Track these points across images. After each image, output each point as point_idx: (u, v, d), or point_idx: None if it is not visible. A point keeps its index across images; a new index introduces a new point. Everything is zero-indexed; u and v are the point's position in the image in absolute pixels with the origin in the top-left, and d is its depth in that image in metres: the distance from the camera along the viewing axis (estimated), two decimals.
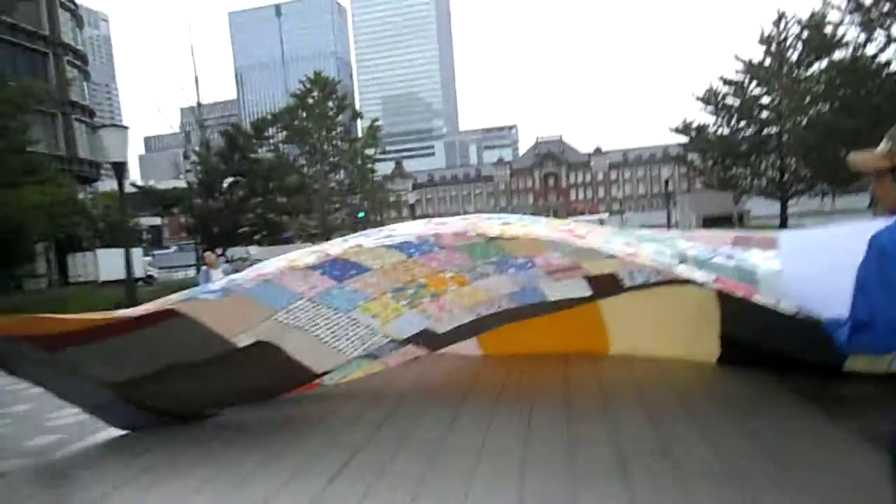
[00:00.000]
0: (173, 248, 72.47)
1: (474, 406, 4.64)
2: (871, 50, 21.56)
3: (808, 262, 2.81)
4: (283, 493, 3.37)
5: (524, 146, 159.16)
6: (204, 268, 8.94)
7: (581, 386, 4.95)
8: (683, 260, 2.85)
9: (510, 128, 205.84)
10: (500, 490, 3.18)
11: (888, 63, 20.65)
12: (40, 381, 4.41)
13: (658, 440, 3.72)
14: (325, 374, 4.88)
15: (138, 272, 22.80)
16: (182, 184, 28.68)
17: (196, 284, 15.48)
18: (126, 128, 10.87)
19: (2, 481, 4.06)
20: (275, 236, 21.50)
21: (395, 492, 3.25)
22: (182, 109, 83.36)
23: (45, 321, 3.99)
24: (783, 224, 29.69)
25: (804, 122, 24.25)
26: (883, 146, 1.65)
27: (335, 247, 3.85)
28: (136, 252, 25.05)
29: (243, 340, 4.20)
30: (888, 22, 20.18)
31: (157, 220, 46.44)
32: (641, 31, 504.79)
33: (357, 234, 4.20)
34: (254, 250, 47.61)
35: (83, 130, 31.40)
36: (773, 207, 33.25)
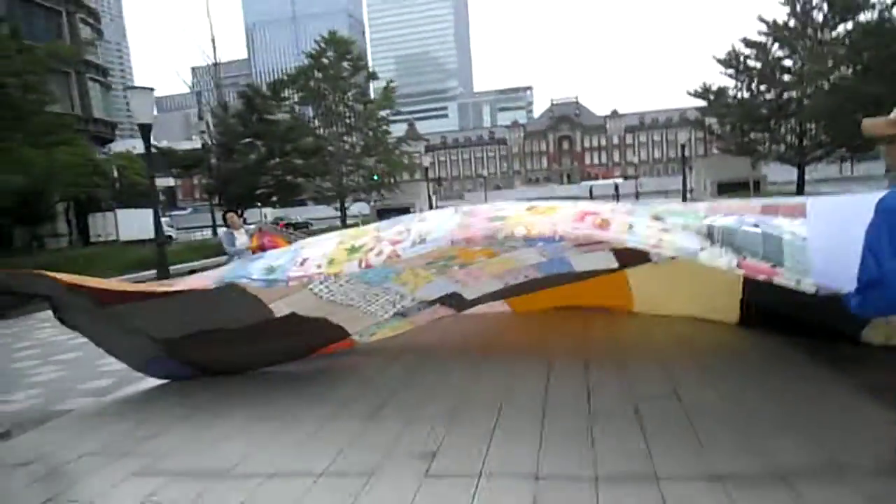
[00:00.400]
0: (189, 210, 73.15)
1: (498, 359, 4.93)
2: None
3: (835, 230, 2.69)
4: (324, 431, 3.71)
5: (539, 108, 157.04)
6: (226, 230, 9.04)
7: (601, 341, 5.22)
8: (710, 234, 2.83)
9: (525, 89, 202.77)
10: (522, 427, 3.49)
11: None
12: (90, 333, 4.73)
13: (670, 388, 4.00)
14: (356, 332, 5.16)
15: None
16: (195, 144, 28.86)
17: (214, 245, 15.77)
18: (152, 90, 11.08)
19: (68, 417, 4.44)
20: (291, 198, 21.66)
21: (428, 431, 3.55)
22: (194, 69, 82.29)
23: (94, 284, 4.29)
24: (800, 190, 29.48)
25: (826, 86, 23.78)
26: (894, 114, 1.78)
27: (373, 251, 3.72)
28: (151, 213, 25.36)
29: (281, 309, 4.37)
30: None
31: (170, 181, 46.79)
32: None
33: (391, 229, 3.98)
34: (269, 212, 48.16)
35: (97, 90, 31.46)
36: (790, 174, 32.91)
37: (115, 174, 27.45)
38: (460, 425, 3.66)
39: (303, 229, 26.97)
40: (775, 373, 4.22)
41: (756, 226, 2.78)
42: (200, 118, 25.25)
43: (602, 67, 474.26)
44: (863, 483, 2.70)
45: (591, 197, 46.63)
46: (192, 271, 15.52)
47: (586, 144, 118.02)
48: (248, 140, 22.21)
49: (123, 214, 25.17)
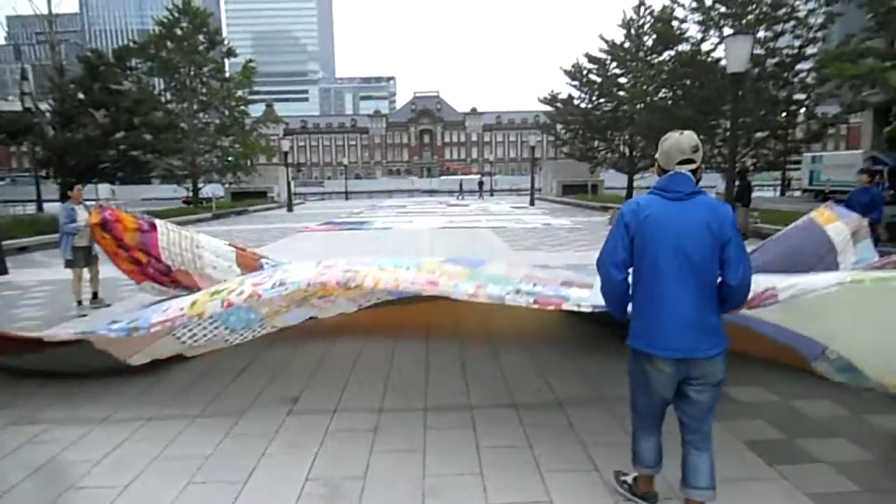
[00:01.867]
0: (5, 181, 64.42)
1: (343, 342, 5.50)
2: (706, 47, 24.74)
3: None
4: (197, 385, 4.19)
5: (401, 100, 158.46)
6: (67, 203, 8.17)
7: (440, 326, 6.00)
8: (517, 291, 3.60)
9: (388, 79, 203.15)
10: (373, 377, 4.26)
11: (718, 60, 23.80)
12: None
13: (493, 352, 4.99)
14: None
15: None
16: (13, 106, 25.84)
17: (48, 221, 14.49)
18: None
19: None
20: (140, 175, 20.17)
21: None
22: (10, 18, 71.57)
23: None
24: (629, 195, 33.29)
25: (649, 105, 27.18)
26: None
27: (234, 292, 3.92)
28: None
29: (141, 360, 4.45)
30: (722, 23, 23.24)
31: None
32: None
33: (250, 276, 4.37)
34: (109, 189, 44.11)
35: None
36: (624, 180, 36.89)
37: None
38: (322, 376, 4.33)
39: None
40: (578, 342, 5.35)
41: (553, 290, 3.60)
42: (24, 78, 22.55)
43: (463, 64, 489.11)
44: (615, 406, 3.80)
45: (461, 191, 49.22)
46: (24, 248, 14.34)
47: (446, 139, 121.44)
48: (89, 110, 20.44)
49: None
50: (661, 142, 2.53)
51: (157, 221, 7.69)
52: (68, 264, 7.73)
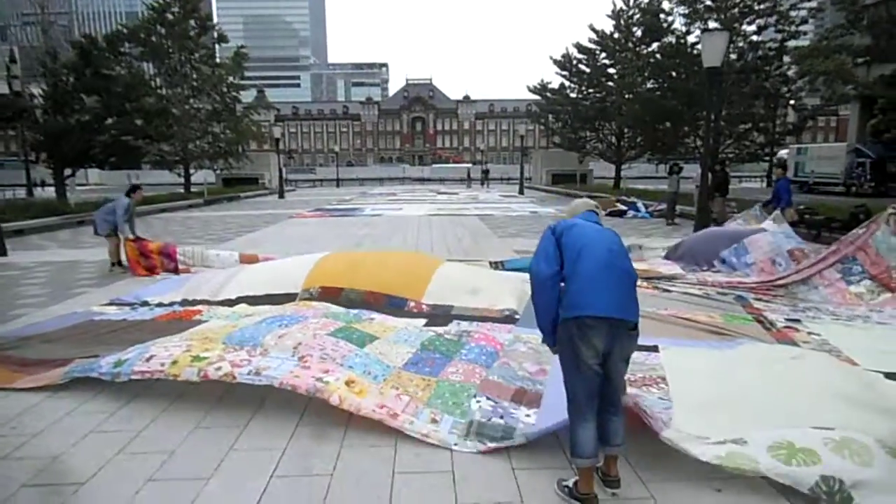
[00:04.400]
0: None
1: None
2: (692, 39, 25.06)
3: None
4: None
5: (394, 87, 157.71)
6: (129, 200, 9.50)
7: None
8: (468, 427, 3.64)
9: (381, 65, 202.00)
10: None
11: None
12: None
13: None
14: None
15: None
16: (1, 88, 25.83)
17: (41, 204, 15.07)
18: None
19: None
20: (133, 160, 20.33)
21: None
22: None
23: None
24: (616, 185, 33.74)
25: (637, 96, 27.54)
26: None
27: (213, 365, 4.03)
28: None
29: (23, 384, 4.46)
30: (707, 16, 23.56)
31: None
32: None
33: (238, 351, 4.33)
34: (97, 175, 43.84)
35: None
36: (612, 170, 37.29)
37: None
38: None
39: None
40: None
41: (502, 417, 3.77)
42: (13, 60, 22.54)
43: (456, 51, 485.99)
44: None
45: (469, 178, 51.50)
46: (19, 231, 14.64)
47: (439, 127, 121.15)
48: (81, 95, 20.57)
49: None
50: (571, 204, 3.30)
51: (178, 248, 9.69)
52: (108, 235, 9.39)
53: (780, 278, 7.90)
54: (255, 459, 3.32)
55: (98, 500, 2.93)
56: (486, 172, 51.31)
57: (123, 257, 9.37)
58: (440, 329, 5.42)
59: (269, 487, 3.03)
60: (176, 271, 9.11)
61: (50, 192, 25.62)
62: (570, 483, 2.96)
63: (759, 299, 7.16)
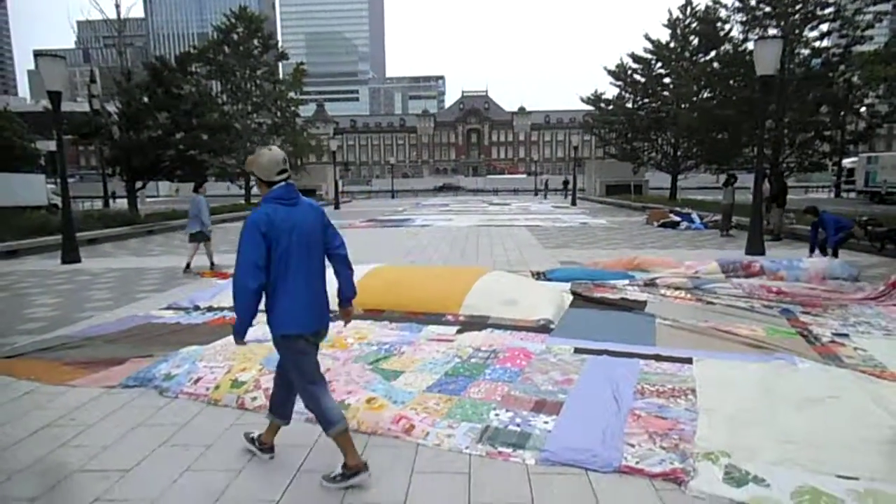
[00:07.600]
0: (76, 178, 68.40)
1: None
2: (750, 47, 24.30)
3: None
4: None
5: (450, 99, 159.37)
6: (202, 197, 10.56)
7: None
8: (483, 432, 3.68)
9: (437, 78, 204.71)
10: None
11: None
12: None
13: None
14: None
15: (41, 200, 22.29)
16: (82, 107, 27.47)
17: (113, 214, 16.17)
18: (63, 58, 11.36)
19: None
20: (198, 173, 21.43)
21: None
22: (80, 23, 76.11)
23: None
24: (672, 196, 32.98)
25: (692, 105, 26.92)
26: None
27: (249, 394, 4.34)
28: (38, 179, 24.14)
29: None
30: (766, 23, 22.85)
31: (52, 146, 43.67)
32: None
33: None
34: (172, 187, 46.17)
35: None
36: (668, 180, 36.43)
37: None
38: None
39: None
40: None
41: (519, 425, 3.79)
42: (93, 81, 24.17)
43: (512, 63, 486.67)
44: None
45: (546, 188, 54.01)
46: (93, 240, 15.68)
47: (493, 139, 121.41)
48: (153, 112, 21.97)
49: (3, 178, 23.31)
50: (258, 157, 3.03)
51: None
52: (192, 238, 10.35)
53: (835, 291, 7.73)
54: (283, 454, 3.52)
55: (140, 485, 3.20)
56: (565, 184, 50.19)
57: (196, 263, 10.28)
58: (469, 347, 5.40)
59: (294, 481, 3.23)
60: None
61: (122, 203, 27.22)
62: (255, 434, 3.50)
63: (807, 312, 6.94)
